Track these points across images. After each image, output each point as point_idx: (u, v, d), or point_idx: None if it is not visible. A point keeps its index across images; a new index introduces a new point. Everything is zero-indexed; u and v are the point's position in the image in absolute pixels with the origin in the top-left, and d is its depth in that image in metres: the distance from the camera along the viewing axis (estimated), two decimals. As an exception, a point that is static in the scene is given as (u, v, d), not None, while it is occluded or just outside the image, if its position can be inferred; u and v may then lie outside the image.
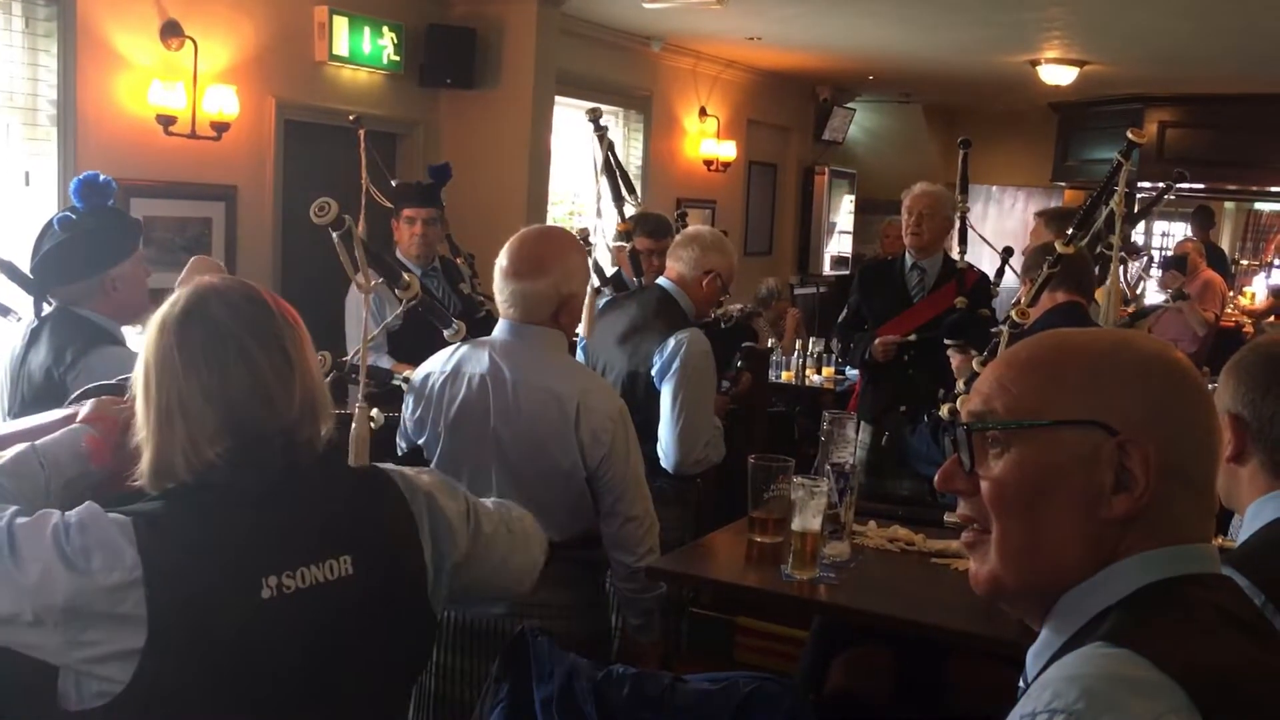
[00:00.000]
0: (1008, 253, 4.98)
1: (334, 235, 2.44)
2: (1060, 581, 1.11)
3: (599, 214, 3.99)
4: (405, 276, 2.78)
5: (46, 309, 2.78)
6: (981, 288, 4.60)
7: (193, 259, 1.88)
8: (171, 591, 1.37)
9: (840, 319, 5.05)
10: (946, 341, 3.87)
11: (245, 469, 1.48)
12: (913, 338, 4.43)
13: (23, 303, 2.92)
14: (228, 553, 1.43)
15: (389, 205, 4.46)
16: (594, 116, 3.99)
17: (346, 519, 1.55)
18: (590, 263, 3.92)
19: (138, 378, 1.51)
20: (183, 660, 1.37)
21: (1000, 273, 4.96)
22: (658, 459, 3.32)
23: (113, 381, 1.91)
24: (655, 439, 3.33)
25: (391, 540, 1.59)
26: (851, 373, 6.25)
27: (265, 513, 1.48)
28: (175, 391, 1.46)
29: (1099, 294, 3.28)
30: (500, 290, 2.63)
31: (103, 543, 1.37)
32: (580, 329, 3.29)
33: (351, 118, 4.59)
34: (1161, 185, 4.03)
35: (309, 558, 1.48)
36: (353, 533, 1.54)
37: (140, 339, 1.56)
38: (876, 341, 4.50)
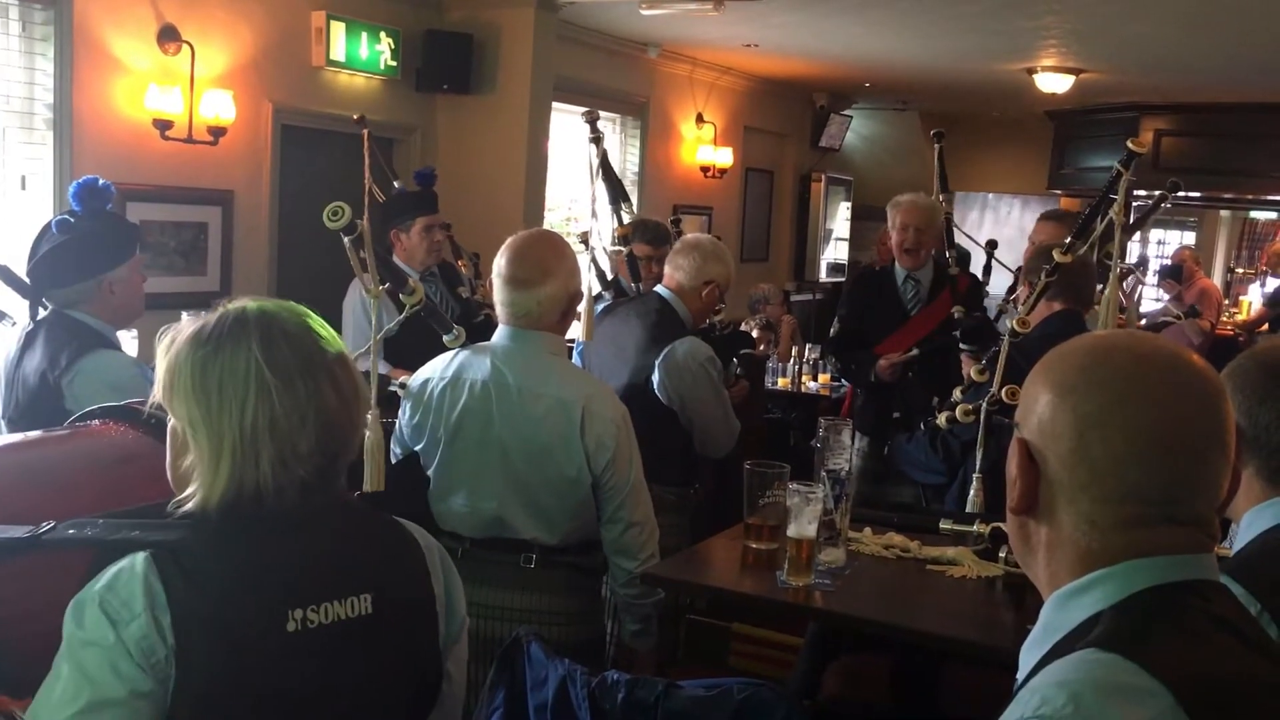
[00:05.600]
0: (991, 245, 4.95)
1: (345, 240, 2.45)
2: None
3: (594, 215, 3.99)
4: (409, 281, 2.78)
5: (42, 313, 2.77)
6: (974, 292, 4.59)
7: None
8: (201, 628, 1.35)
9: (833, 333, 4.90)
10: (962, 347, 3.87)
11: (319, 491, 1.46)
12: (915, 353, 4.38)
13: (18, 307, 2.92)
14: (258, 584, 1.40)
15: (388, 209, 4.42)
16: (591, 118, 3.99)
17: (367, 557, 1.53)
18: (590, 266, 3.94)
19: (199, 399, 1.43)
20: (206, 693, 1.35)
21: (988, 269, 4.95)
22: (653, 465, 3.32)
23: (120, 405, 1.89)
24: (652, 446, 3.33)
25: (410, 584, 1.57)
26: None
27: (292, 544, 1.45)
28: (268, 408, 1.42)
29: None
30: (506, 300, 2.63)
31: (132, 596, 1.34)
32: (579, 333, 3.30)
33: (356, 117, 4.57)
34: (1156, 194, 4.02)
35: (332, 593, 1.45)
36: (373, 572, 1.52)
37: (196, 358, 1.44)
38: (880, 363, 4.41)
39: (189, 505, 1.43)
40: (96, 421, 1.88)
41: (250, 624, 1.38)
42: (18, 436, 1.77)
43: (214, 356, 1.43)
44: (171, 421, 1.48)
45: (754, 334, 6.53)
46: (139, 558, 1.37)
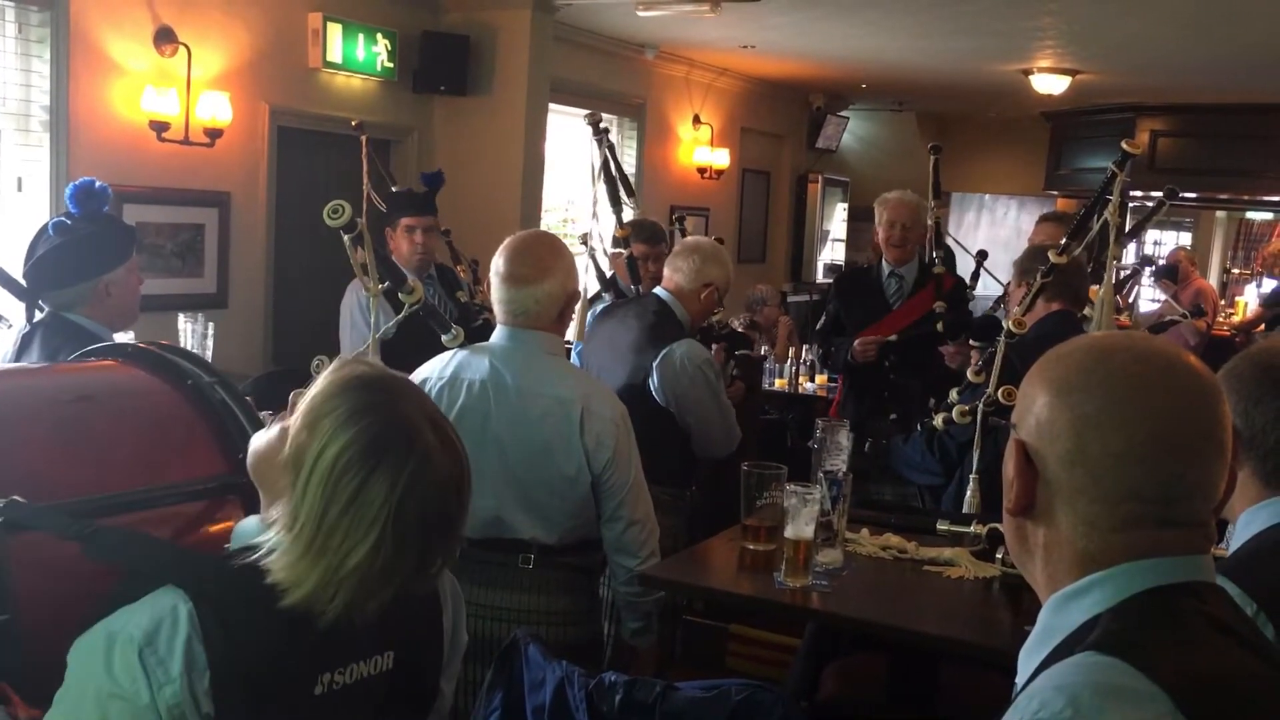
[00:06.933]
0: (982, 256, 5.08)
1: (345, 238, 2.46)
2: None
3: (595, 217, 3.99)
4: (409, 281, 2.78)
5: (38, 315, 2.77)
6: (958, 291, 4.64)
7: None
8: (237, 691, 1.33)
9: (819, 326, 5.06)
10: (972, 344, 3.90)
11: None
12: (892, 338, 4.45)
13: (14, 309, 2.91)
14: (296, 650, 1.38)
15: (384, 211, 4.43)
16: (593, 120, 4.00)
17: (398, 611, 1.46)
18: (589, 267, 3.95)
19: (323, 494, 1.35)
20: None
21: (975, 276, 5.02)
22: (649, 466, 3.32)
23: (106, 344, 1.94)
24: (649, 447, 3.33)
25: (425, 628, 1.56)
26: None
27: (338, 614, 1.39)
28: (369, 562, 1.36)
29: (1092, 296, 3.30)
30: (504, 298, 2.63)
31: (171, 655, 1.31)
32: (570, 333, 3.31)
33: (354, 123, 4.56)
34: (1156, 196, 4.05)
35: (360, 654, 1.44)
36: (399, 626, 1.49)
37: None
38: (856, 343, 4.50)
39: (253, 557, 1.37)
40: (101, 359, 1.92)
41: (281, 688, 1.37)
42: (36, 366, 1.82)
43: (360, 463, 1.35)
44: (289, 428, 1.42)
45: (741, 331, 6.54)
46: (181, 611, 1.32)
